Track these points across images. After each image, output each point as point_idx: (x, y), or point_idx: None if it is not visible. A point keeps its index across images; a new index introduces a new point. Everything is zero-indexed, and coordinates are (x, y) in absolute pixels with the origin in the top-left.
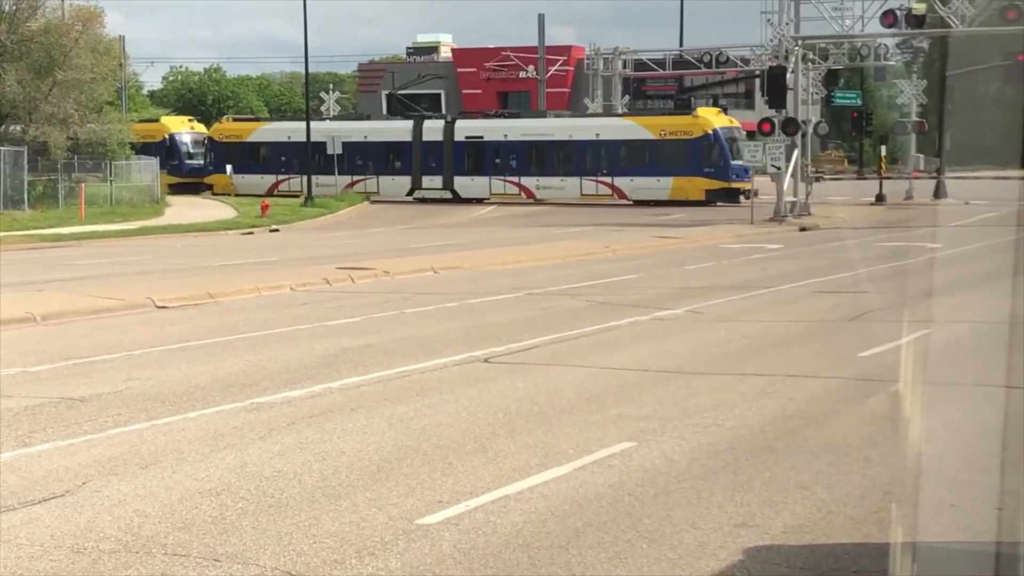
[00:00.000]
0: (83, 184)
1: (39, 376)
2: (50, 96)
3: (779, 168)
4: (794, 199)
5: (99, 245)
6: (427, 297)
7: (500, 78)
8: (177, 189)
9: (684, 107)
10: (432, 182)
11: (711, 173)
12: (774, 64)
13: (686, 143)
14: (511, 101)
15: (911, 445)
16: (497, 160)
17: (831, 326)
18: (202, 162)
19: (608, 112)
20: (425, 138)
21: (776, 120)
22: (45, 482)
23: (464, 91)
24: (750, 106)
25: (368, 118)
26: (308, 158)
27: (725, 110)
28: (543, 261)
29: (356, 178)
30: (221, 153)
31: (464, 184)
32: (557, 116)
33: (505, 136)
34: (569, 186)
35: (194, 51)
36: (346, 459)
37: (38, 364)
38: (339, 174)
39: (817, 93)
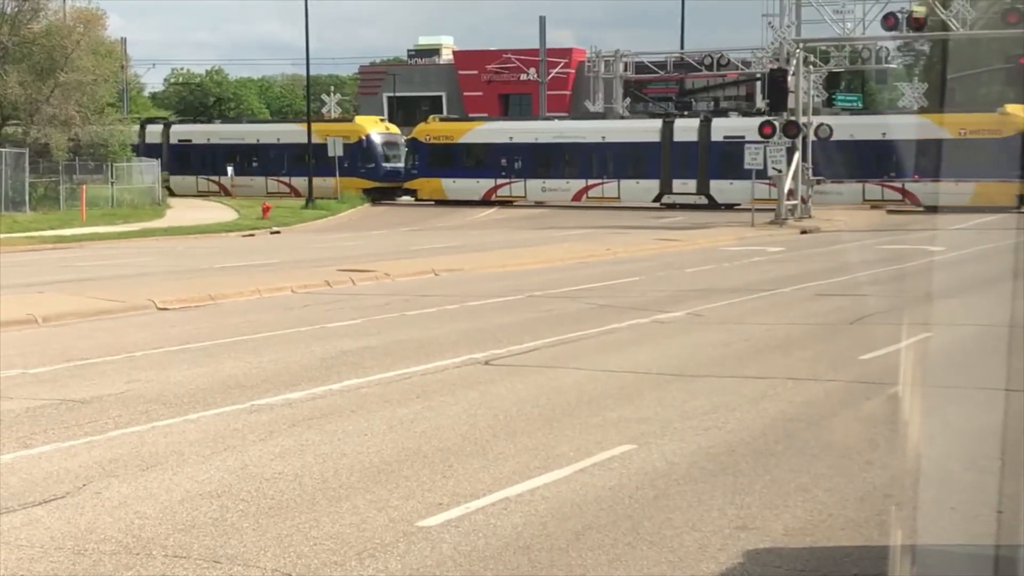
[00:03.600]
0: (84, 186)
1: (39, 378)
2: (51, 98)
3: (780, 171)
4: (795, 202)
5: (100, 247)
6: (428, 299)
7: (501, 80)
8: (373, 195)
9: (686, 109)
10: (684, 186)
11: None
12: (775, 67)
13: (994, 143)
14: (512, 104)
15: (911, 448)
16: None
17: (832, 329)
18: (401, 165)
19: (903, 109)
20: (676, 138)
21: (777, 123)
22: (45, 484)
23: (465, 93)
24: (751, 109)
25: (604, 116)
26: (309, 158)
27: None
28: (544, 263)
29: (592, 182)
30: (427, 156)
31: (721, 188)
32: (835, 114)
33: None
34: (849, 191)
35: (192, 53)
36: (346, 461)
37: (39, 366)
38: (570, 178)
39: (818, 96)
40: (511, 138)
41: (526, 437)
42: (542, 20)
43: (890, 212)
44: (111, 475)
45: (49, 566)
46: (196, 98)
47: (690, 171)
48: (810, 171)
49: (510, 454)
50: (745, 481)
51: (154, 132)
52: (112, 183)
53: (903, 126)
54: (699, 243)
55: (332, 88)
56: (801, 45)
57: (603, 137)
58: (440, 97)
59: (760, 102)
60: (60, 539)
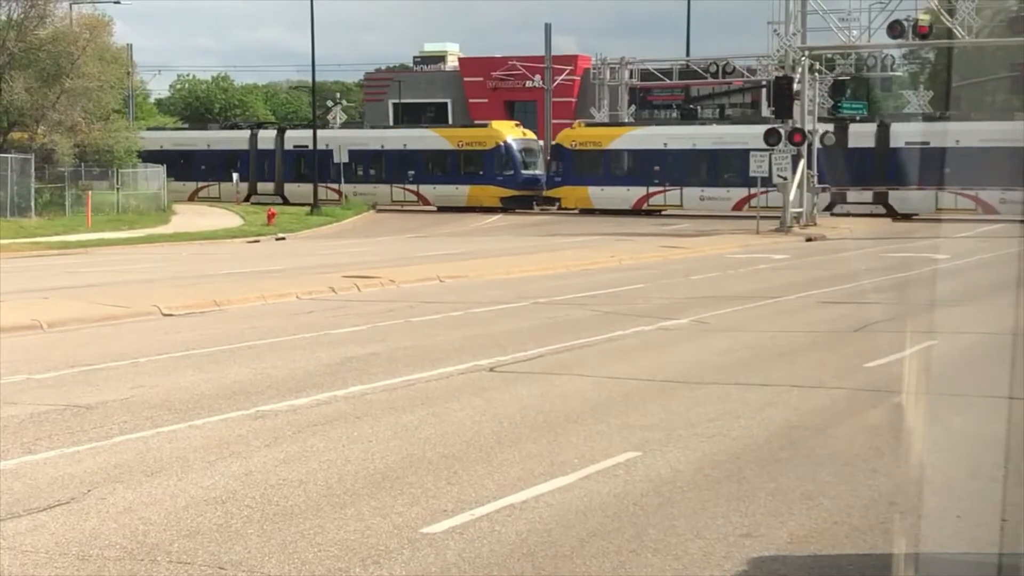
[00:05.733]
0: (90, 192)
1: (44, 383)
2: (58, 104)
3: (785, 178)
4: (800, 209)
5: (105, 253)
6: (433, 306)
7: (506, 87)
8: (511, 203)
9: (691, 116)
10: (860, 195)
11: None
12: (780, 74)
13: None
14: (517, 111)
15: (915, 456)
16: (947, 169)
17: (836, 337)
18: (539, 172)
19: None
20: (850, 144)
21: (782, 130)
22: (50, 489)
23: (471, 100)
24: (756, 116)
25: (767, 120)
26: (315, 163)
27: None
28: (549, 270)
29: (755, 191)
30: (572, 163)
31: (903, 197)
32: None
33: (958, 141)
34: None
35: (197, 59)
36: (351, 467)
37: (44, 371)
38: (731, 186)
39: (823, 103)
40: (665, 144)
41: (531, 444)
42: (547, 27)
43: (895, 220)
44: (116, 481)
45: (54, 572)
46: (202, 104)
47: (866, 179)
48: (815, 179)
49: (515, 461)
50: (750, 489)
51: (267, 138)
52: (118, 189)
53: None
54: (704, 250)
55: (338, 94)
56: (806, 53)
57: (746, 143)
58: (445, 104)
59: (765, 110)
60: (65, 545)
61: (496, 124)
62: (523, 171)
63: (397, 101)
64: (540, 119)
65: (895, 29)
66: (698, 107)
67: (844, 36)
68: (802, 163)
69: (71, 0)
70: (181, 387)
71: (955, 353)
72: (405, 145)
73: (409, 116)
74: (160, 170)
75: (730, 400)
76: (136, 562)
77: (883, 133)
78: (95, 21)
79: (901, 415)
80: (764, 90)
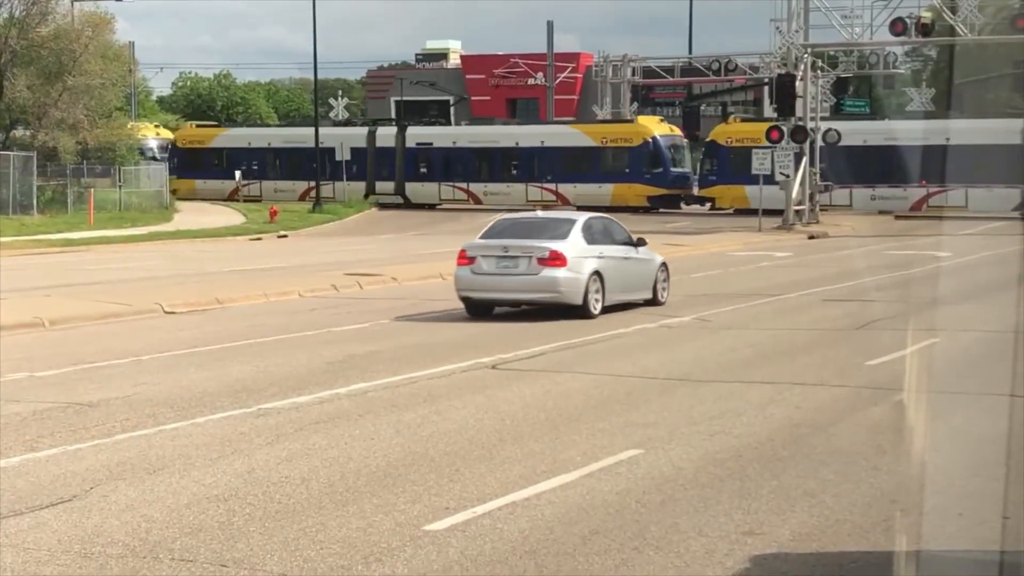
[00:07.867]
0: (92, 189)
1: (47, 381)
2: (60, 101)
3: (787, 176)
4: (802, 207)
5: (108, 250)
6: (435, 303)
7: (508, 85)
8: (658, 202)
9: (693, 114)
10: None
11: None
12: (783, 72)
13: None
14: (519, 108)
15: (917, 454)
16: None
17: (839, 335)
18: (686, 170)
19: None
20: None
21: (785, 128)
22: (53, 487)
23: (473, 98)
24: (759, 114)
25: (932, 115)
26: (317, 161)
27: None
28: None
29: (933, 189)
30: (728, 160)
31: None
32: None
33: None
34: None
35: (198, 57)
36: (353, 465)
37: (46, 369)
38: (907, 184)
39: (826, 101)
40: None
41: (533, 442)
42: (550, 25)
43: (897, 218)
44: (118, 478)
45: (56, 569)
46: (204, 102)
47: None
48: (817, 176)
49: (517, 459)
50: (752, 486)
51: (386, 135)
52: (120, 187)
53: None
54: (707, 248)
55: (340, 92)
56: (809, 50)
57: (947, 139)
58: (447, 102)
59: (768, 107)
60: (67, 542)
61: (643, 119)
62: (672, 168)
63: (399, 98)
64: (542, 117)
65: (897, 26)
66: (701, 104)
67: (847, 33)
68: (804, 160)
69: None
70: (183, 385)
71: (957, 351)
72: (543, 142)
73: (411, 114)
74: (162, 168)
75: (732, 398)
76: (138, 559)
77: None
78: (97, 18)
79: (903, 413)
80: (767, 87)
